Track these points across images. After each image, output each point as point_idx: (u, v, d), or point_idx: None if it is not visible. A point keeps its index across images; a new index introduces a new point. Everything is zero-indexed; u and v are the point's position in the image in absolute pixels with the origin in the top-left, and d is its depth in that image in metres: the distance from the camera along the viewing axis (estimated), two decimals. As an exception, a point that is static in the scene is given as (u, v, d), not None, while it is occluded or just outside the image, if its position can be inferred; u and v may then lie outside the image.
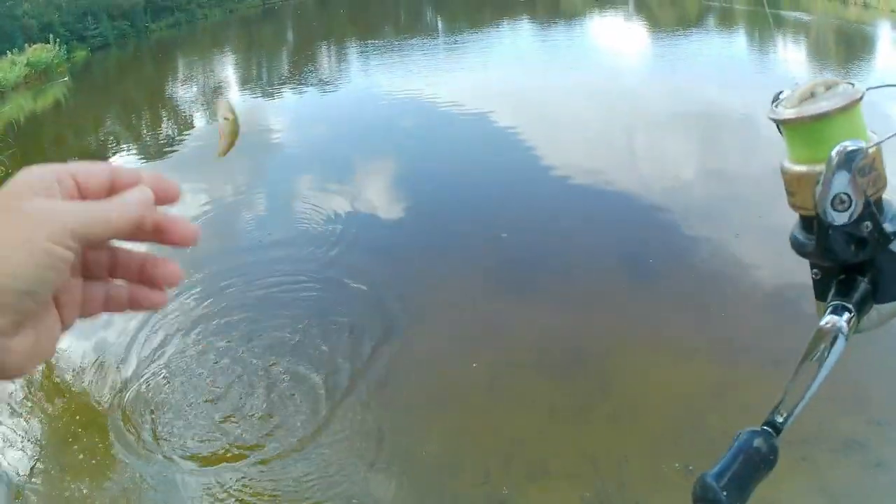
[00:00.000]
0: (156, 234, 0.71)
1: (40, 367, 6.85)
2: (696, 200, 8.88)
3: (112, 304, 0.74)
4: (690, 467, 4.67)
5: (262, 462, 5.40)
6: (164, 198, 0.72)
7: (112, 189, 0.69)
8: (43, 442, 6.08)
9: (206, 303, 7.76)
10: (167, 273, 0.74)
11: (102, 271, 0.74)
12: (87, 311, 0.73)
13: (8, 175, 12.51)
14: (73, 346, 7.24)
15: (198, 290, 8.03)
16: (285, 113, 17.89)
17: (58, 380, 6.90)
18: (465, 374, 6.09)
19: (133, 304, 0.74)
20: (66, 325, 0.70)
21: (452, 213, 9.25)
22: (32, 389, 6.74)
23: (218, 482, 5.29)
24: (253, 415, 5.95)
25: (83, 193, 0.68)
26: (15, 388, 6.64)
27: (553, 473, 5.00)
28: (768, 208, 7.85)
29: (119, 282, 0.74)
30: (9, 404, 6.50)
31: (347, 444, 5.51)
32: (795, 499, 4.37)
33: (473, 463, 5.19)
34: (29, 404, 6.55)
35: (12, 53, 32.30)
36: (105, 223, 0.64)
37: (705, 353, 5.95)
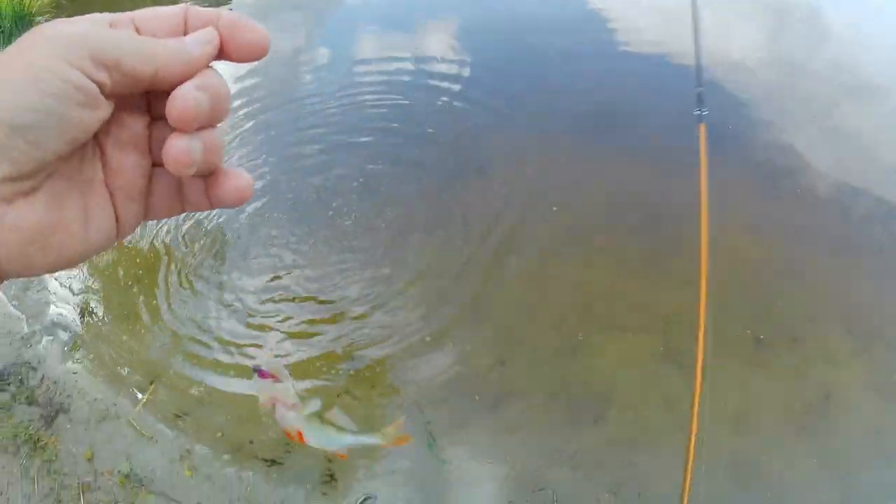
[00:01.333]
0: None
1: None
2: (764, 81, 8.41)
3: (191, 200, 0.64)
4: (761, 337, 4.71)
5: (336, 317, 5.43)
6: (246, 50, 0.60)
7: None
8: (101, 289, 6.12)
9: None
10: (237, 185, 0.63)
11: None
12: (157, 207, 0.63)
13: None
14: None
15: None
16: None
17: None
18: (547, 218, 6.02)
19: (213, 199, 0.63)
20: (124, 227, 0.61)
21: (544, 58, 8.86)
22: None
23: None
24: (327, 262, 5.93)
25: None
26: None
27: (626, 326, 5.07)
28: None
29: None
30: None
31: (428, 284, 5.55)
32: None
33: (550, 307, 5.27)
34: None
35: None
36: (147, 56, 0.54)
37: (772, 230, 5.80)
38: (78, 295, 6.01)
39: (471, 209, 6.13)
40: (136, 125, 0.60)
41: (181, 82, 0.56)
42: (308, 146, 7.43)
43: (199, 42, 0.58)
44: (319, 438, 1.21)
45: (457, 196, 6.32)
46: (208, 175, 0.62)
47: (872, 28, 9.08)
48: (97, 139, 0.58)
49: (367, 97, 8.10)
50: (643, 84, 7.97)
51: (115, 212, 0.60)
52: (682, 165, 6.37)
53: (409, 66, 8.67)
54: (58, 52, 0.49)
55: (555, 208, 6.11)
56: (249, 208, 6.60)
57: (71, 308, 5.88)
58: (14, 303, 5.92)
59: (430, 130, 7.27)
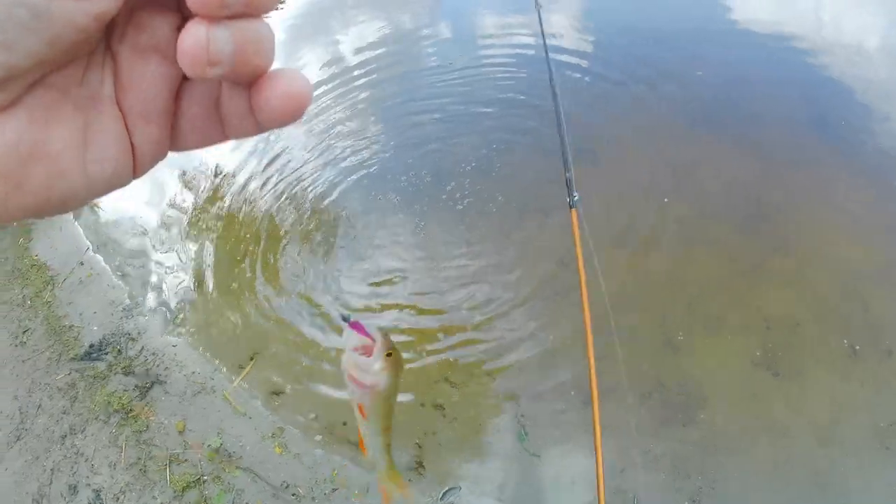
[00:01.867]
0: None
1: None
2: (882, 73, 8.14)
3: (232, 121, 0.49)
4: (857, 347, 4.61)
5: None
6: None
7: None
8: (209, 263, 6.10)
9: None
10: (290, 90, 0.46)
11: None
12: (187, 132, 0.50)
13: None
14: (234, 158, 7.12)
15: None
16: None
17: (224, 198, 6.84)
18: (655, 212, 5.94)
19: (259, 113, 0.47)
20: (142, 160, 0.49)
21: (649, 46, 8.70)
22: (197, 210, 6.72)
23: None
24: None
25: None
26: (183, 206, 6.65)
27: (726, 326, 4.95)
28: None
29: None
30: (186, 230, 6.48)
31: (531, 265, 5.56)
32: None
33: (652, 304, 5.17)
34: (196, 224, 6.55)
35: None
36: None
37: (886, 231, 5.61)
38: (184, 266, 6.08)
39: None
40: (160, 26, 0.45)
41: None
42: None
43: None
44: (365, 430, 1.14)
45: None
46: (250, 83, 0.46)
47: None
48: (108, 44, 0.46)
49: (492, 70, 8.12)
50: (766, 75, 7.79)
51: (129, 138, 0.47)
52: (796, 163, 6.25)
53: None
54: None
55: (666, 199, 6.02)
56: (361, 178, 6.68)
57: (175, 280, 5.93)
58: (118, 273, 6.06)
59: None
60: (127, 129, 0.47)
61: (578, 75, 7.68)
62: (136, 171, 0.49)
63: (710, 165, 6.37)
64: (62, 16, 0.38)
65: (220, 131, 0.50)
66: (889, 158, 6.31)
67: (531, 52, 8.25)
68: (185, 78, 0.48)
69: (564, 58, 7.90)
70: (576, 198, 3.30)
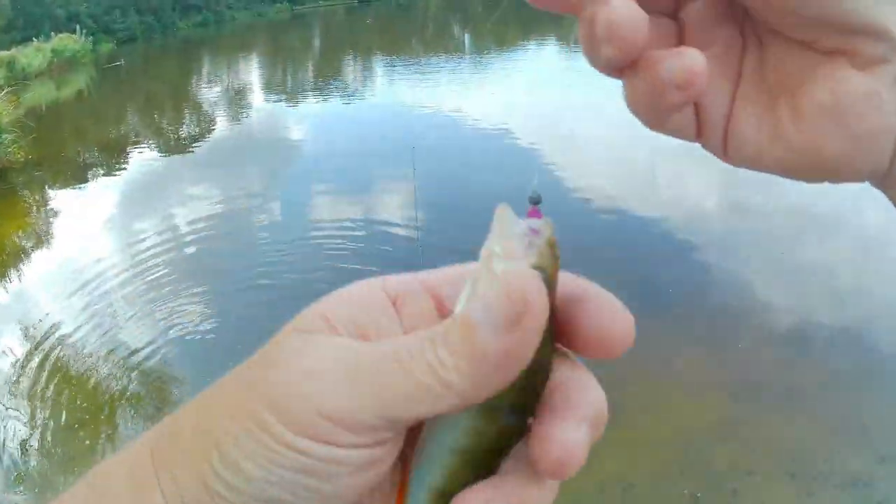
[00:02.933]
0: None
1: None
2: (716, 232, 9.00)
3: None
4: (698, 495, 4.73)
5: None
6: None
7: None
8: (48, 427, 6.10)
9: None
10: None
11: None
12: None
13: (28, 161, 12.67)
14: (79, 336, 7.36)
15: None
16: (306, 120, 18.05)
17: (63, 365, 6.98)
18: None
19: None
20: None
21: (471, 234, 9.31)
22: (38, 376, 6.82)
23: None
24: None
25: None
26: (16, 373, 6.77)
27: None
28: (790, 245, 8.10)
29: None
30: (9, 391, 6.56)
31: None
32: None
33: None
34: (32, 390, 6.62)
35: (38, 41, 32.83)
36: (420, 394, 0.37)
37: (717, 387, 6.04)
38: (24, 427, 6.07)
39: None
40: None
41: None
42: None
43: (502, 324, 0.35)
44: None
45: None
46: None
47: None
48: None
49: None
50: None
51: None
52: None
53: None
54: (295, 424, 0.36)
55: None
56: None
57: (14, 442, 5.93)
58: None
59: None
60: None
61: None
62: None
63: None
64: (352, 485, 0.39)
65: None
66: (718, 315, 6.88)
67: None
68: None
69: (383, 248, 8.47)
70: None
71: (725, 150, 0.49)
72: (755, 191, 10.42)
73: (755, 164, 0.48)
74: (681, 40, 0.49)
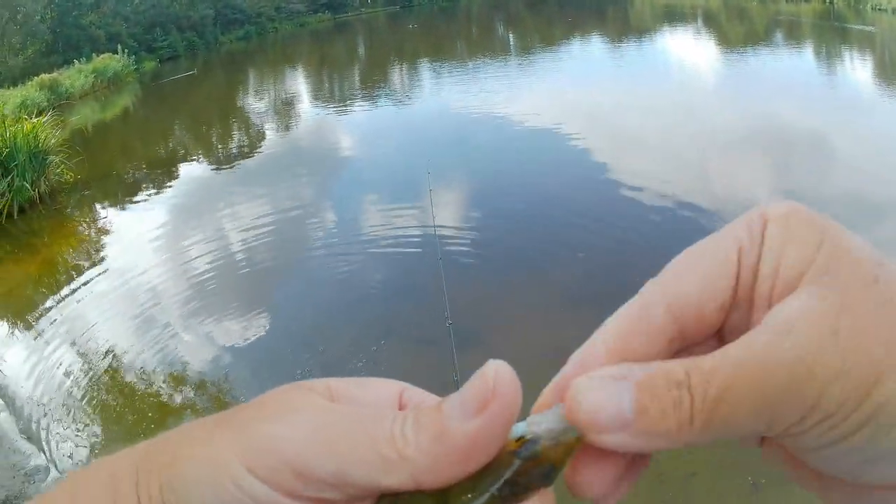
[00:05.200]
0: None
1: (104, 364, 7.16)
2: None
3: None
4: (762, 481, 4.75)
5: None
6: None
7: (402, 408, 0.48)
8: (101, 442, 6.18)
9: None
10: None
11: None
12: None
13: (77, 181, 12.90)
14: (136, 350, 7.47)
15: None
16: (356, 128, 18.24)
17: (122, 379, 7.11)
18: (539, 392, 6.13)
19: None
20: None
21: (528, 230, 9.33)
22: (94, 387, 6.93)
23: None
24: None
25: None
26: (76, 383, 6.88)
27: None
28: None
29: None
30: (63, 406, 6.67)
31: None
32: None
33: None
34: (92, 401, 6.74)
35: (79, 62, 33.58)
36: (385, 463, 0.39)
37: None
38: (82, 432, 6.14)
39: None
40: None
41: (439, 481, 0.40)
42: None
43: (468, 412, 0.38)
44: None
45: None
46: None
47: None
48: None
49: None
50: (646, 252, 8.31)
51: None
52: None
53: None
54: (257, 466, 0.39)
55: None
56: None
57: (74, 447, 6.04)
58: (23, 436, 6.04)
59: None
60: None
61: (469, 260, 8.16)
62: None
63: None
64: None
65: None
66: None
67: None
68: None
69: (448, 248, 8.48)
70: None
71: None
72: (808, 178, 10.30)
73: None
74: None
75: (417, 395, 0.49)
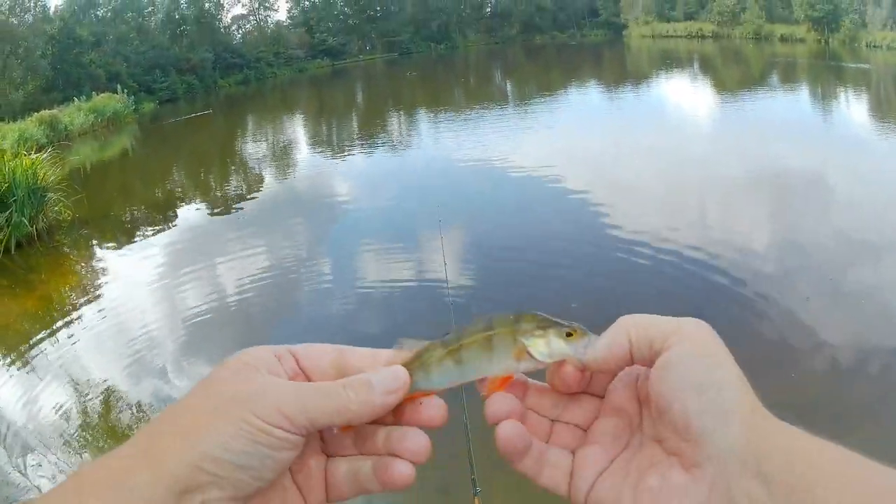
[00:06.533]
0: (396, 415, 0.72)
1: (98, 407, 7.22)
2: (767, 260, 9.08)
3: (359, 483, 0.72)
4: None
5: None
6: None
7: (340, 372, 0.72)
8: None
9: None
10: (413, 447, 0.70)
11: (347, 447, 0.74)
12: (334, 495, 0.73)
13: (75, 219, 12.98)
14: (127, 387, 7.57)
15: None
16: (352, 176, 18.44)
17: (114, 416, 7.20)
18: None
19: (379, 479, 0.70)
20: None
21: (523, 280, 9.44)
22: (87, 423, 6.99)
23: None
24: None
25: (307, 374, 0.73)
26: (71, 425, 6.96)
27: None
28: (841, 270, 8.38)
29: (363, 457, 0.73)
30: (60, 444, 6.71)
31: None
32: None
33: None
34: (84, 436, 6.81)
35: (79, 100, 33.79)
36: (338, 412, 0.67)
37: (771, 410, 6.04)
38: (74, 466, 6.17)
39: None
40: (313, 433, 0.70)
41: (367, 422, 0.70)
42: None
43: (385, 392, 0.69)
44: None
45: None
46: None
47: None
48: None
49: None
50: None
51: (305, 502, 0.71)
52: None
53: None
54: (264, 414, 0.63)
55: None
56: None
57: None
58: (15, 469, 6.10)
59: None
60: (303, 497, 0.71)
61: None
62: None
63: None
64: (286, 459, 0.65)
65: (357, 485, 0.72)
66: (773, 343, 6.94)
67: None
68: (328, 457, 0.74)
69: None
70: (479, 490, 3.63)
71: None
72: (806, 217, 10.48)
73: None
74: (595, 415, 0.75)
75: (355, 357, 0.74)
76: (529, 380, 0.76)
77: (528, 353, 0.72)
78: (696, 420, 0.61)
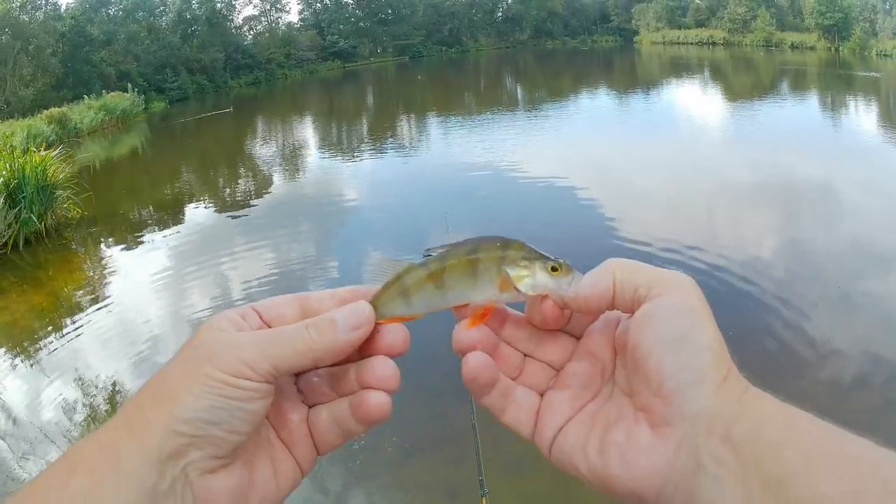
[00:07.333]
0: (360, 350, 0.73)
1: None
2: (775, 269, 9.08)
3: (342, 427, 0.72)
4: None
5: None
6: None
7: (304, 318, 0.72)
8: None
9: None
10: (381, 374, 0.70)
11: (325, 394, 0.74)
12: (323, 447, 0.74)
13: (84, 217, 13.01)
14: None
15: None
16: (361, 178, 18.52)
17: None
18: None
19: (357, 416, 0.70)
20: (304, 467, 0.73)
21: None
22: (93, 418, 6.98)
23: None
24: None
25: (272, 326, 0.72)
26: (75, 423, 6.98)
27: None
28: (849, 279, 8.39)
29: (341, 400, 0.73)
30: (63, 434, 6.71)
31: None
32: None
33: None
34: (90, 432, 6.75)
35: (89, 98, 33.83)
36: (303, 353, 0.67)
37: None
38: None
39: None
40: (288, 385, 0.73)
41: (333, 362, 0.71)
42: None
43: (350, 328, 0.69)
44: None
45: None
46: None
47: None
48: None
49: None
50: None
51: (294, 458, 0.72)
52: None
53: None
54: (225, 366, 0.63)
55: None
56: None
57: None
58: (21, 465, 6.13)
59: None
60: (291, 453, 0.72)
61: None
62: (304, 474, 0.73)
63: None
64: (259, 410, 0.65)
65: (342, 434, 0.73)
66: (781, 350, 6.95)
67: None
68: (309, 407, 0.74)
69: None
70: (486, 491, 3.62)
71: (549, 451, 0.70)
72: (814, 227, 10.48)
73: (570, 470, 0.69)
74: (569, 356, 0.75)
75: (315, 300, 0.74)
76: (509, 309, 0.76)
77: (513, 285, 0.72)
78: (670, 377, 0.61)
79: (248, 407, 0.63)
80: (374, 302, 0.73)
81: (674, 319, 0.63)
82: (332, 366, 0.73)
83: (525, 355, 0.75)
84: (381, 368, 0.70)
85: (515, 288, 0.72)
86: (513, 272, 0.72)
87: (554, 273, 0.72)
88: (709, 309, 0.65)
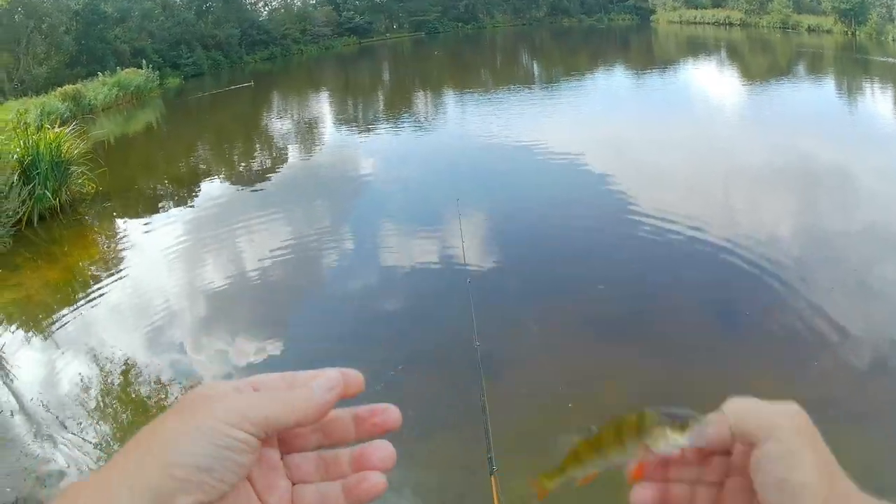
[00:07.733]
0: (356, 423, 0.79)
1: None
2: (791, 253, 9.02)
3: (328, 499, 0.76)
4: None
5: None
6: (348, 389, 0.77)
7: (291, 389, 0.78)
8: (113, 450, 6.22)
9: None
10: (382, 455, 0.76)
11: (311, 474, 0.79)
12: None
13: (98, 192, 13.03)
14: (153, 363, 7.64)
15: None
16: (376, 154, 18.39)
17: (134, 387, 7.26)
18: (561, 413, 6.15)
19: (353, 496, 0.75)
20: None
21: (550, 262, 9.42)
22: (107, 394, 7.08)
23: None
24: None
25: None
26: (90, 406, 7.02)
27: None
28: (866, 264, 8.34)
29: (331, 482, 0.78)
30: (77, 414, 6.77)
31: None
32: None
33: None
34: (104, 408, 6.88)
35: (103, 75, 33.87)
36: (288, 412, 0.73)
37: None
38: (94, 438, 6.28)
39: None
40: (275, 458, 0.77)
41: (314, 422, 0.75)
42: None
43: (324, 390, 0.75)
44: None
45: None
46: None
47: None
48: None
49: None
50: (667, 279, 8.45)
51: None
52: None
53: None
54: (222, 417, 0.68)
55: (570, 405, 6.31)
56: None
57: (83, 455, 6.16)
58: (36, 440, 6.16)
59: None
60: None
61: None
62: None
63: (618, 366, 6.82)
64: (247, 462, 0.69)
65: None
66: (795, 335, 6.90)
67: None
68: (293, 484, 0.78)
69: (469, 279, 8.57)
70: (495, 469, 3.70)
71: None
72: (831, 212, 10.40)
73: None
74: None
75: (303, 377, 0.76)
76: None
77: (652, 451, 0.82)
78: None
79: (238, 459, 0.68)
80: (564, 464, 0.88)
81: (777, 464, 0.71)
82: (325, 447, 0.80)
83: (691, 484, 0.83)
84: (382, 451, 0.77)
85: (656, 453, 0.82)
86: (650, 441, 0.82)
87: (682, 431, 0.81)
88: (815, 443, 0.73)
